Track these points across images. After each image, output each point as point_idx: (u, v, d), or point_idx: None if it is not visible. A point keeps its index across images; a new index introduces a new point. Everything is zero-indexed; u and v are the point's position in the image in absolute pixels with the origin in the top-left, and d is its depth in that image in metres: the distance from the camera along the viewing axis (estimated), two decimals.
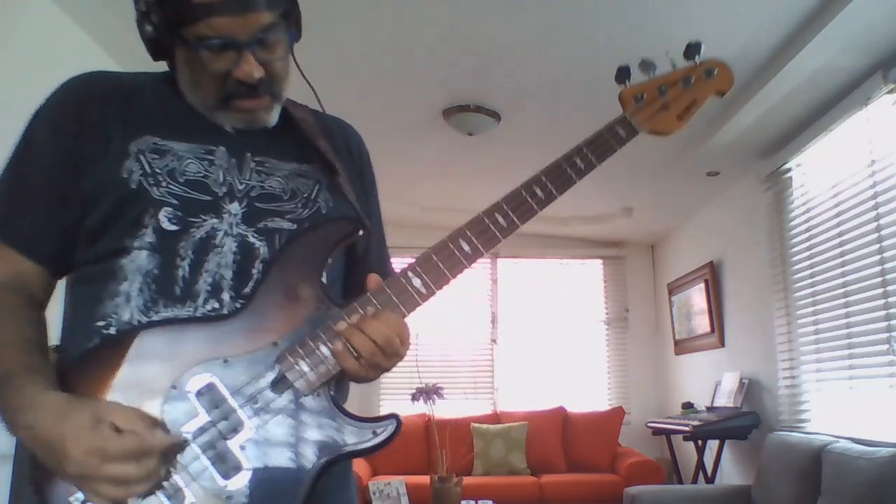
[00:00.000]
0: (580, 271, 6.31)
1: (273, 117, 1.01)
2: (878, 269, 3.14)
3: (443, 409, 4.94)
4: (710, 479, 4.43)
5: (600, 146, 1.06)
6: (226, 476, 0.83)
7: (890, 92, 2.99)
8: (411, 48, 3.16)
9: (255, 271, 0.92)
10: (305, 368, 0.87)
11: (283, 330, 0.88)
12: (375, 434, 0.88)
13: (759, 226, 4.28)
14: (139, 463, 0.77)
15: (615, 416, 5.54)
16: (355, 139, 1.16)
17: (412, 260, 0.95)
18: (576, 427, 5.46)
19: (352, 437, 0.88)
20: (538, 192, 1.01)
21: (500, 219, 0.98)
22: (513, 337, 6.13)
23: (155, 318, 0.88)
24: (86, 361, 0.86)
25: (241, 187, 0.96)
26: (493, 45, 3.11)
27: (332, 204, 1.02)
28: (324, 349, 0.88)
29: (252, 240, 0.94)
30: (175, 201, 0.92)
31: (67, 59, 2.62)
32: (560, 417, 5.51)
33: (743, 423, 4.11)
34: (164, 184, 0.92)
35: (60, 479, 0.78)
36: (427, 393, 4.00)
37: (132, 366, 0.84)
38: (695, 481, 4.50)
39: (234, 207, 0.95)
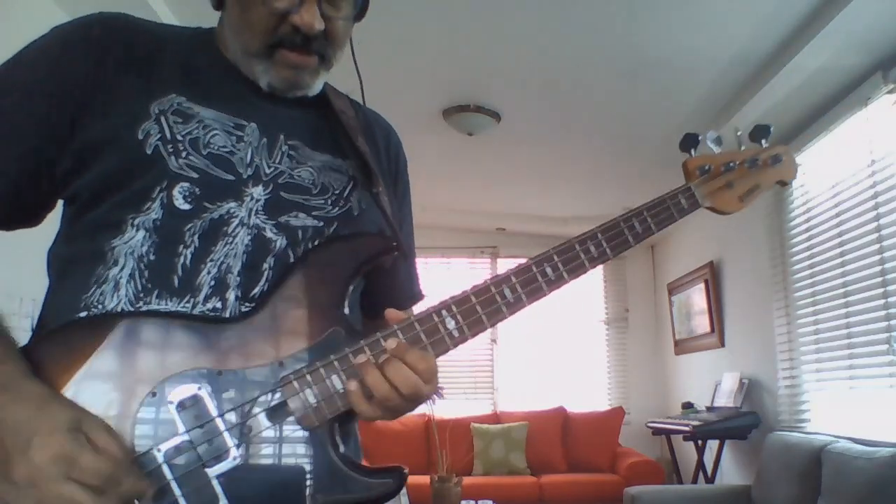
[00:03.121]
0: None
1: (317, 84, 0.90)
2: (878, 269, 3.13)
3: (443, 409, 4.94)
4: (710, 479, 4.43)
5: (660, 213, 0.98)
6: None
7: (890, 92, 2.99)
8: (411, 48, 3.16)
9: (265, 267, 0.80)
10: (311, 400, 0.75)
11: (291, 349, 0.76)
12: (377, 487, 0.76)
13: (759, 226, 4.28)
14: (100, 496, 0.64)
15: (615, 416, 5.54)
16: (394, 140, 1.06)
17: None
18: (576, 427, 5.46)
19: (349, 488, 0.75)
20: (592, 249, 0.93)
21: (549, 270, 0.90)
22: (513, 337, 6.12)
23: (144, 308, 0.76)
24: (52, 342, 0.73)
25: (268, 171, 0.85)
26: (493, 45, 3.11)
27: (364, 206, 0.90)
28: (336, 381, 0.76)
29: (269, 235, 0.82)
30: (195, 175, 0.80)
31: None
32: (560, 417, 5.51)
33: (743, 423, 4.11)
34: (184, 154, 0.80)
35: None
36: None
37: (107, 357, 0.71)
38: (695, 481, 4.50)
39: (258, 192, 0.83)
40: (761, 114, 3.51)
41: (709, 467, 4.45)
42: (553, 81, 3.42)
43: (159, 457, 0.69)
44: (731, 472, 4.49)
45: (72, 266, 0.80)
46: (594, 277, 6.32)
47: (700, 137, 1.04)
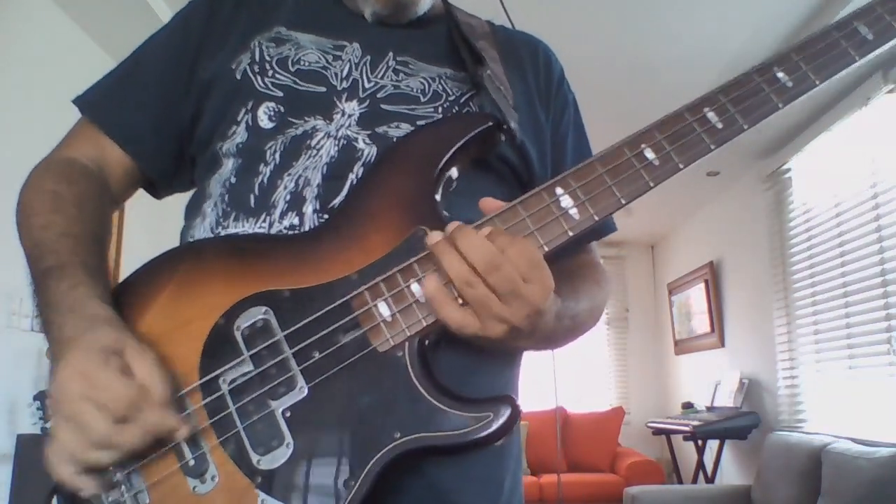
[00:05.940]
0: None
1: (422, 4, 0.83)
2: (878, 269, 3.13)
3: None
4: (710, 479, 4.43)
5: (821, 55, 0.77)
6: (259, 450, 0.62)
7: (890, 92, 2.99)
8: None
9: (351, 177, 0.71)
10: (385, 311, 0.63)
11: (369, 258, 0.65)
12: (473, 423, 0.60)
13: (759, 226, 4.28)
14: (117, 424, 0.58)
15: (615, 416, 5.54)
16: (543, 52, 0.93)
17: None
18: (576, 427, 5.46)
19: (435, 424, 0.61)
20: (780, 75, 0.73)
21: (713, 115, 0.70)
22: None
23: (222, 234, 0.72)
24: (139, 280, 0.70)
25: (368, 86, 0.76)
26: None
27: (490, 111, 0.77)
28: (415, 288, 0.63)
29: (360, 145, 0.73)
30: (279, 94, 0.76)
31: (67, 59, 2.62)
32: (560, 417, 5.51)
33: (743, 423, 4.11)
34: (270, 73, 0.76)
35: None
36: None
37: (180, 286, 0.66)
38: (695, 481, 4.50)
39: (351, 107, 0.75)
40: None
41: (709, 467, 4.45)
42: None
43: (222, 386, 0.63)
44: (731, 472, 4.49)
45: (187, 212, 0.81)
46: None
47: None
